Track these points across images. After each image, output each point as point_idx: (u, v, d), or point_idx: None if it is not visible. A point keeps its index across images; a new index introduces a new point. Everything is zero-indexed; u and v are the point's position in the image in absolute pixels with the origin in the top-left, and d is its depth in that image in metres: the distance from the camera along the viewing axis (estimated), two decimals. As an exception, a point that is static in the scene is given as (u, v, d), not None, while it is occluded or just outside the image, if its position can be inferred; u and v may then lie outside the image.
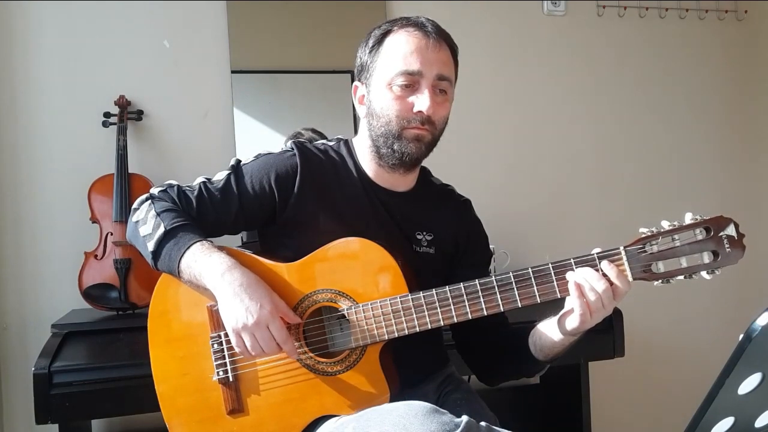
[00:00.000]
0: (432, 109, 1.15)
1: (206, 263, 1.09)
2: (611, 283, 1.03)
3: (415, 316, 1.09)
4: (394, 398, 1.09)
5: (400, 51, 1.15)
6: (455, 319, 1.09)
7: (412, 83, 1.15)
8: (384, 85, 1.16)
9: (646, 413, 2.51)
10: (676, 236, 1.04)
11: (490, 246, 1.38)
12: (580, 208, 2.49)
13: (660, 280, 1.05)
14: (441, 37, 1.17)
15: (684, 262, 1.04)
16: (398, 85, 1.15)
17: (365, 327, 1.10)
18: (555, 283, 1.06)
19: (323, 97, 2.28)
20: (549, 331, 1.12)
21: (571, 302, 1.05)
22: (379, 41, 1.18)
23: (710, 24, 2.60)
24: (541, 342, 1.14)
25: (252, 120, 2.19)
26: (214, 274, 1.07)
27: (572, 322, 1.06)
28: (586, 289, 1.03)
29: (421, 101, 1.14)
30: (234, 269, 1.08)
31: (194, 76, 2.16)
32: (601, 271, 1.04)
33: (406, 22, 1.18)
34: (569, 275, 1.05)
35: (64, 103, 2.06)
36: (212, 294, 1.09)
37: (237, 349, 1.08)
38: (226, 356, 1.13)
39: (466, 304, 1.08)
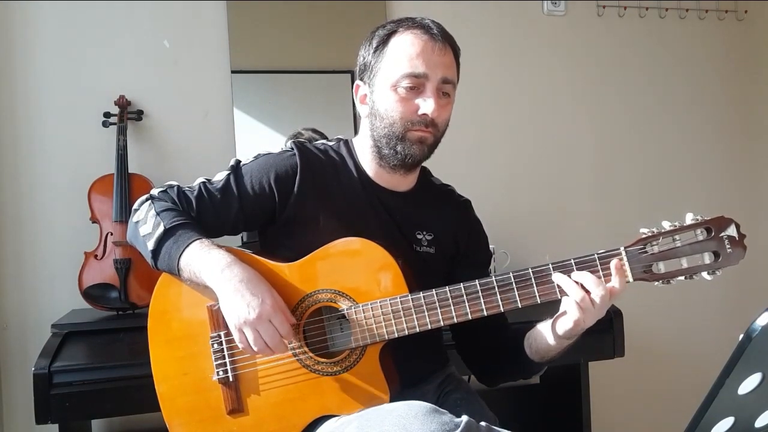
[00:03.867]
0: (436, 112, 1.15)
1: (206, 260, 1.09)
2: (607, 284, 1.03)
3: (415, 316, 1.09)
4: (394, 398, 1.09)
5: (406, 53, 1.15)
6: (455, 320, 1.09)
7: (417, 85, 1.15)
8: (388, 86, 1.16)
9: (646, 413, 2.51)
10: (676, 237, 1.04)
11: (490, 246, 1.38)
12: (581, 209, 2.49)
13: (660, 281, 1.05)
14: (446, 40, 1.17)
15: (685, 263, 1.04)
16: (403, 87, 1.15)
17: (365, 327, 1.10)
18: (555, 283, 1.06)
19: (323, 97, 2.27)
20: (544, 334, 1.12)
21: (564, 306, 1.05)
22: (384, 41, 1.18)
23: (710, 24, 2.60)
24: (537, 345, 1.15)
25: (252, 120, 2.19)
26: (213, 271, 1.07)
27: (564, 326, 1.06)
28: (577, 295, 1.02)
29: (427, 104, 1.14)
30: (234, 265, 1.08)
31: (194, 76, 2.16)
32: (601, 272, 1.04)
33: (412, 24, 1.18)
34: (556, 279, 1.05)
35: (64, 103, 2.05)
36: (213, 292, 1.09)
37: (240, 345, 1.08)
38: (226, 356, 1.13)
39: (466, 304, 1.08)
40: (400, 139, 1.16)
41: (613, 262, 1.04)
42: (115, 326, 1.77)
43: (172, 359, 1.16)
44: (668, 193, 2.56)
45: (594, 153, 2.51)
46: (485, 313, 1.08)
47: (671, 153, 2.59)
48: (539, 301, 1.07)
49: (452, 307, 1.09)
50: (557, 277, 1.05)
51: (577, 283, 1.03)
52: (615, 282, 1.03)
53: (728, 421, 0.77)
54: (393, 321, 1.10)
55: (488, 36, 2.39)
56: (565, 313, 1.06)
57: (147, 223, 1.15)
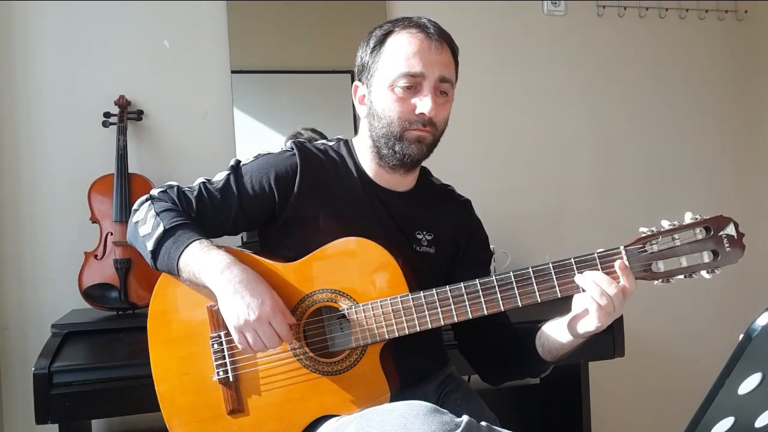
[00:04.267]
0: (434, 111, 1.15)
1: (205, 261, 1.09)
2: (621, 285, 1.03)
3: (415, 315, 1.09)
4: (394, 398, 1.09)
5: (402, 52, 1.15)
6: (455, 319, 1.09)
7: (414, 85, 1.15)
8: (386, 86, 1.16)
9: (646, 413, 2.51)
10: (676, 236, 1.04)
11: (490, 246, 1.38)
12: (580, 208, 2.49)
13: (660, 280, 1.05)
14: (443, 39, 1.17)
15: (684, 262, 1.04)
16: (400, 87, 1.15)
17: (365, 327, 1.10)
18: (555, 282, 1.06)
19: (323, 97, 2.28)
20: (558, 334, 1.12)
21: (584, 305, 1.04)
22: (381, 41, 1.18)
23: (710, 24, 2.60)
24: (549, 344, 1.14)
25: (252, 120, 2.19)
26: (213, 272, 1.07)
27: (586, 326, 1.06)
28: (597, 295, 1.02)
29: (424, 103, 1.14)
30: (233, 266, 1.08)
31: (194, 76, 2.16)
32: (608, 271, 1.04)
33: (408, 23, 1.18)
34: (578, 280, 1.05)
35: (64, 103, 2.06)
36: (212, 292, 1.09)
37: (239, 346, 1.08)
38: (226, 356, 1.13)
39: (467, 303, 1.08)
40: (398, 138, 1.16)
41: (617, 264, 1.04)
42: (115, 326, 1.77)
43: (172, 359, 1.16)
44: (668, 193, 2.56)
45: (594, 153, 2.51)
46: (485, 313, 1.08)
47: (671, 153, 2.60)
48: (539, 301, 1.07)
49: (452, 307, 1.09)
50: (580, 280, 1.04)
51: (598, 286, 1.03)
52: (626, 282, 1.03)
53: (728, 421, 0.77)
54: (393, 320, 1.10)
55: (488, 36, 2.39)
56: (584, 315, 1.06)
57: (146, 223, 1.15)
